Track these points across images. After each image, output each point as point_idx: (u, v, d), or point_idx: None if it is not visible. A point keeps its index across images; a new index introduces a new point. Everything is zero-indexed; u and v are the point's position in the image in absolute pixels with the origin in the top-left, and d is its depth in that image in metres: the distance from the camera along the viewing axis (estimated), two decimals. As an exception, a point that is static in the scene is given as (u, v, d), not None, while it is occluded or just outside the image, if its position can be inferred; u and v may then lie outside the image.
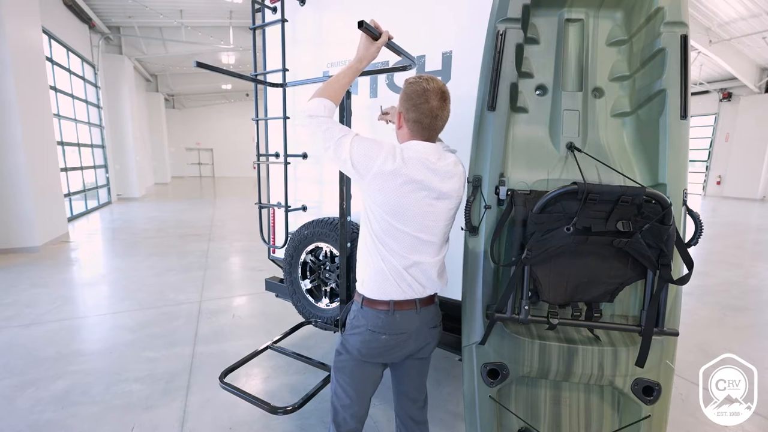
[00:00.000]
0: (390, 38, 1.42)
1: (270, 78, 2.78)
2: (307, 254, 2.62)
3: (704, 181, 16.05)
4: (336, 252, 2.44)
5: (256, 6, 2.74)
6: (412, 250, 1.31)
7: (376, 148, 1.25)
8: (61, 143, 7.93)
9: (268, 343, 2.52)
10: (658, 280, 1.24)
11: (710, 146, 15.84)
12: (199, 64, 1.96)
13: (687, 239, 1.30)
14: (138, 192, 12.81)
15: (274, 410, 1.96)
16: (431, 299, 1.44)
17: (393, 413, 2.30)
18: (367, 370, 1.44)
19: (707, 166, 15.91)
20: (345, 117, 2.11)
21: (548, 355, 1.38)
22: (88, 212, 9.50)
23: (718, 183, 15.31)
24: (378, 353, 1.39)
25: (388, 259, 1.31)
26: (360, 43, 1.37)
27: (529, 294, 1.33)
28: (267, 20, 2.74)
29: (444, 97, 1.32)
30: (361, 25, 1.33)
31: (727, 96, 14.79)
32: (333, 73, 2.32)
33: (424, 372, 1.58)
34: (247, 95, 20.98)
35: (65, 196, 7.69)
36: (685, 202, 1.33)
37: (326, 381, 2.23)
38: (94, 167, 10.48)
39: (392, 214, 1.26)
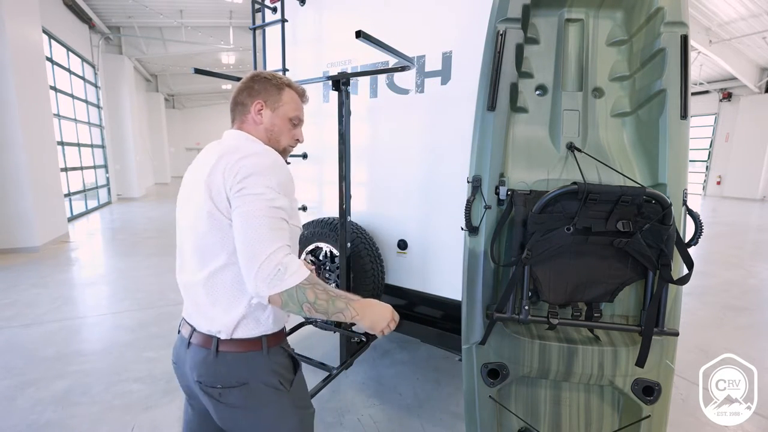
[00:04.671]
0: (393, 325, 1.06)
1: (270, 78, 2.77)
2: (307, 254, 2.62)
3: (704, 181, 16.04)
4: (336, 252, 2.44)
5: (256, 6, 2.74)
6: None
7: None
8: (61, 143, 7.93)
9: (268, 343, 2.51)
10: (658, 280, 1.24)
11: (710, 146, 15.83)
12: (198, 71, 1.96)
13: (687, 239, 1.30)
14: (138, 192, 12.81)
15: (274, 410, 1.95)
16: None
17: (394, 413, 2.31)
18: None
19: (707, 166, 15.90)
20: (344, 117, 2.11)
21: (548, 355, 1.38)
22: (88, 212, 9.50)
23: (718, 183, 15.30)
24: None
25: None
26: (374, 312, 1.01)
27: (529, 294, 1.33)
28: (267, 20, 2.74)
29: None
30: (359, 34, 1.30)
31: (727, 96, 14.78)
32: (333, 73, 2.33)
33: None
34: (247, 95, 20.95)
35: (65, 196, 7.69)
36: (685, 202, 1.33)
37: (326, 381, 2.23)
38: (94, 167, 10.48)
39: None
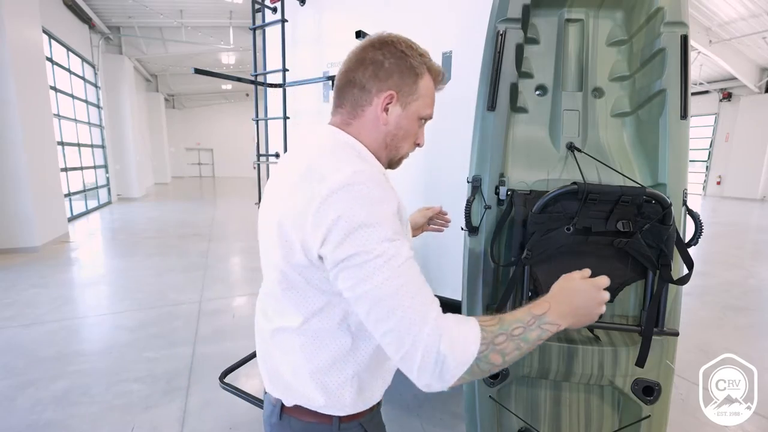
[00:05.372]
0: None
1: (270, 78, 2.78)
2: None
3: (704, 181, 16.05)
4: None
5: (256, 6, 2.74)
6: None
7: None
8: (61, 143, 7.93)
9: (268, 343, 2.51)
10: (658, 280, 1.24)
11: (710, 146, 15.84)
12: (197, 71, 1.97)
13: (687, 239, 1.30)
14: (138, 192, 12.81)
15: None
16: None
17: (394, 413, 2.31)
18: None
19: (707, 166, 15.91)
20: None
21: (548, 355, 1.38)
22: (88, 212, 9.50)
23: (718, 183, 15.31)
24: None
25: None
26: (571, 302, 0.80)
27: (529, 294, 1.33)
28: (267, 20, 2.74)
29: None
30: (359, 34, 1.27)
31: (727, 96, 14.79)
32: (333, 73, 2.32)
33: None
34: (247, 95, 20.97)
35: (65, 196, 7.69)
36: (685, 202, 1.33)
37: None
38: (94, 167, 10.48)
39: None
